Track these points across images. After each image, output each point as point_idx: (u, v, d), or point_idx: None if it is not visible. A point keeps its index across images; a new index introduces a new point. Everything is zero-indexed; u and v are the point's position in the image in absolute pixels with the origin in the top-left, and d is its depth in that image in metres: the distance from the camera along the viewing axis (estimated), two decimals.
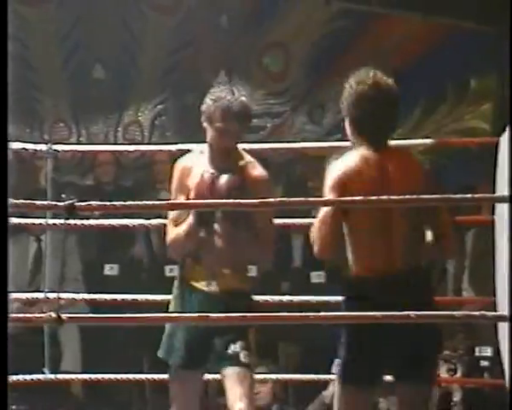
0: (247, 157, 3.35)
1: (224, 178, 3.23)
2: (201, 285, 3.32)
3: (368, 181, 2.87)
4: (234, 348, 3.24)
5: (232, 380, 3.24)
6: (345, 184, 2.88)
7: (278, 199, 2.97)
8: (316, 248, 2.91)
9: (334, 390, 4.99)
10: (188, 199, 3.28)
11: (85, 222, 4.11)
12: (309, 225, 2.96)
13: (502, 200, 3.08)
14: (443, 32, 6.66)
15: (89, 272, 5.68)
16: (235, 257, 3.28)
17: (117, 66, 6.56)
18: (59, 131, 6.54)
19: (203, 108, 3.30)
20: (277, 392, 5.18)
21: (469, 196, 3.20)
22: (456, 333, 5.38)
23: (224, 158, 3.28)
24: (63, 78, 6.53)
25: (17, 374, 4.01)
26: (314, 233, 2.91)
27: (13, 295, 4.53)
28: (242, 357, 3.25)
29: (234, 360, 3.25)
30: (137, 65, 6.59)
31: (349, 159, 2.92)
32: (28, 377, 3.98)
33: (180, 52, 6.62)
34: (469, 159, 6.29)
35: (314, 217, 2.95)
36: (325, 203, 2.88)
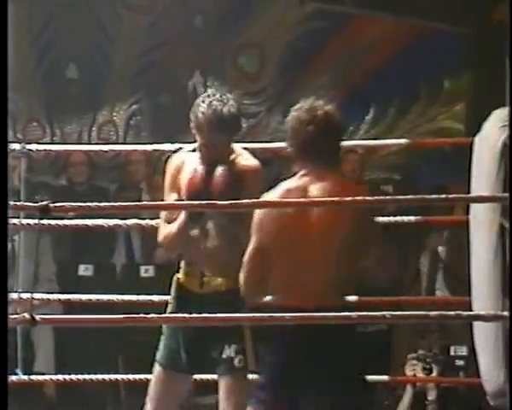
0: (238, 150, 3.33)
1: (217, 173, 3.21)
2: (195, 287, 3.30)
3: (291, 216, 2.84)
4: (228, 352, 3.23)
5: (225, 390, 3.23)
6: (267, 222, 2.85)
7: (271, 200, 2.91)
8: (243, 289, 2.91)
9: None
10: (180, 196, 3.26)
11: (59, 222, 4.08)
12: None
13: (477, 200, 3.08)
14: (416, 32, 6.69)
15: (63, 272, 5.64)
16: (229, 254, 3.25)
17: (91, 65, 6.53)
18: (32, 131, 6.50)
19: (192, 117, 3.25)
20: None
21: (444, 196, 3.20)
22: (430, 333, 5.39)
23: (215, 160, 3.27)
24: (37, 77, 6.48)
25: None
26: (242, 274, 2.91)
27: None
28: (237, 362, 3.23)
29: (228, 366, 3.23)
30: (112, 65, 6.55)
31: (274, 193, 2.91)
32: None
33: (155, 52, 6.60)
34: (443, 159, 6.32)
35: None
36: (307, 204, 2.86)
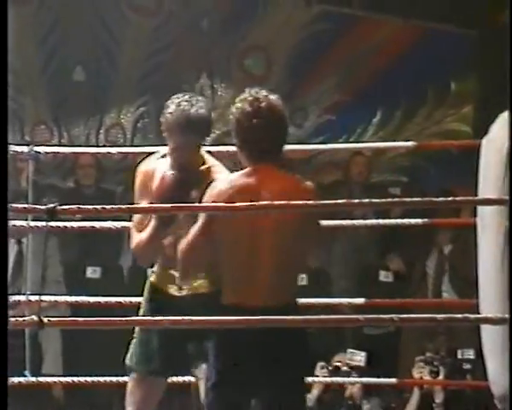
0: (210, 161, 3.25)
1: (188, 182, 3.13)
2: (172, 290, 3.25)
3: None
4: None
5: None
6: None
7: (244, 203, 2.89)
8: (181, 268, 2.92)
9: (317, 394, 5.01)
10: (151, 203, 3.17)
11: (67, 224, 4.09)
12: None
13: (483, 203, 3.08)
14: (423, 34, 6.68)
15: (70, 274, 5.65)
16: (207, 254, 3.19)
17: (98, 68, 6.54)
18: (40, 134, 6.51)
19: (162, 119, 3.19)
20: None
21: (450, 198, 3.19)
22: (437, 335, 5.39)
23: (186, 166, 3.18)
24: (44, 80, 6.50)
25: None
26: (181, 247, 2.88)
27: None
28: None
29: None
30: (118, 67, 6.57)
31: (219, 184, 2.87)
32: (9, 379, 3.93)
33: (161, 54, 6.61)
34: (450, 162, 6.32)
35: None
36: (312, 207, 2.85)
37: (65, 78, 6.51)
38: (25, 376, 4.00)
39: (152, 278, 3.33)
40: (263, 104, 2.81)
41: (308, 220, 2.83)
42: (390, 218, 5.05)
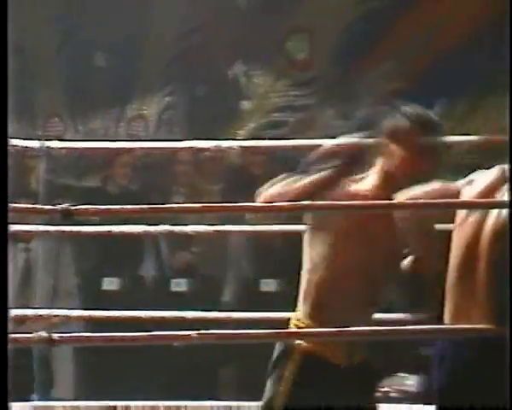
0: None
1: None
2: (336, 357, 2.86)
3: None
4: None
5: None
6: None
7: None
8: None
9: None
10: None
11: (82, 229, 4.11)
12: None
13: None
14: (500, 10, 6.61)
15: (85, 285, 5.69)
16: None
17: (120, 53, 6.58)
18: (53, 127, 6.58)
19: (388, 124, 2.99)
20: None
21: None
22: None
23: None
24: (58, 65, 6.56)
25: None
26: None
27: None
28: None
29: None
30: (143, 52, 6.61)
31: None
32: (15, 404, 3.97)
33: (191, 37, 6.64)
34: None
35: None
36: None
37: (83, 63, 6.56)
38: (31, 400, 4.04)
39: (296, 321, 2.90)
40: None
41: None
42: None
